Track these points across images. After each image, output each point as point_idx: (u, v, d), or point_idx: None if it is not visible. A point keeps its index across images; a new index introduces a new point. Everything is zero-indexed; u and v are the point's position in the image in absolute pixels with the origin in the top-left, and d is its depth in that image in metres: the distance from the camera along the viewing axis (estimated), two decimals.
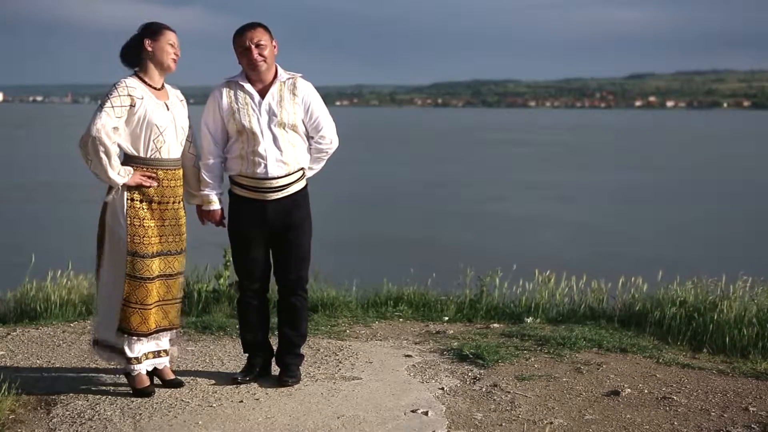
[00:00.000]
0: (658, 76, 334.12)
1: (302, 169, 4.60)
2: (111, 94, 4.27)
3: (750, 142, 59.27)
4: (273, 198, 4.50)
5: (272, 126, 4.46)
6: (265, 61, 4.47)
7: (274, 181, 4.47)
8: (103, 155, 4.20)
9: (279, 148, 4.47)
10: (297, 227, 4.57)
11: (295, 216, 4.56)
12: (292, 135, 4.52)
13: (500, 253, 13.19)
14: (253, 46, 4.44)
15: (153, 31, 4.42)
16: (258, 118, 4.46)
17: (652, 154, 44.95)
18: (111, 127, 4.22)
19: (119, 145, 4.31)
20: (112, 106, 4.24)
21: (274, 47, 4.53)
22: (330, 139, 4.66)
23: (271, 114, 4.47)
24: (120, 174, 4.27)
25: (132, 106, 4.29)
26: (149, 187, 4.35)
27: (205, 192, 4.60)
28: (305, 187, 4.65)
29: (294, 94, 4.52)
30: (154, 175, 4.36)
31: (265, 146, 4.44)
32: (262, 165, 4.45)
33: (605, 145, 54.39)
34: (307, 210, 4.65)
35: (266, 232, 4.55)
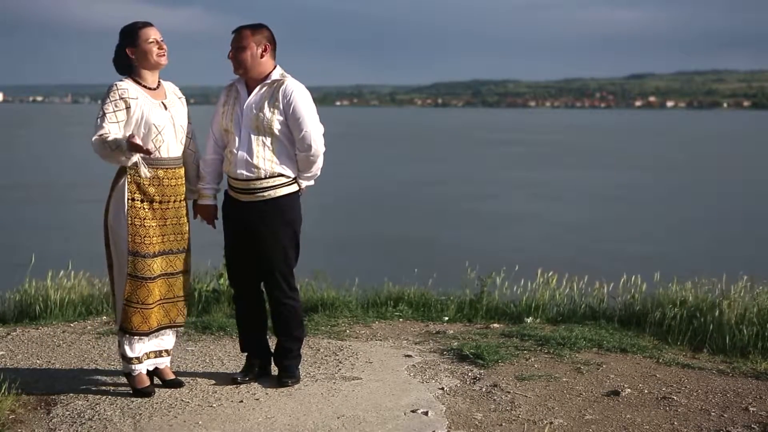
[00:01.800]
0: (658, 76, 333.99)
1: (282, 175, 4.48)
2: (105, 102, 4.31)
3: (750, 142, 59.26)
4: (246, 200, 4.49)
5: (248, 128, 4.45)
6: (241, 64, 4.46)
7: (244, 183, 4.46)
8: (110, 152, 4.25)
9: (250, 151, 4.43)
10: (270, 234, 4.49)
11: (270, 222, 4.48)
12: (270, 139, 4.45)
13: (500, 253, 13.20)
14: (231, 51, 4.48)
15: (131, 37, 4.39)
16: (238, 119, 4.48)
17: (653, 154, 44.95)
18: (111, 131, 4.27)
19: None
20: (108, 113, 4.28)
21: (265, 49, 4.48)
22: (308, 143, 4.45)
23: (248, 116, 4.46)
24: (123, 145, 4.22)
25: (128, 107, 4.30)
26: (149, 154, 4.28)
27: (199, 185, 4.62)
28: (289, 195, 4.52)
29: (275, 98, 4.45)
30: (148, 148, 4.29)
31: (237, 147, 4.45)
32: (233, 165, 4.47)
33: (605, 144, 54.38)
34: (288, 218, 4.52)
35: (241, 233, 4.54)
